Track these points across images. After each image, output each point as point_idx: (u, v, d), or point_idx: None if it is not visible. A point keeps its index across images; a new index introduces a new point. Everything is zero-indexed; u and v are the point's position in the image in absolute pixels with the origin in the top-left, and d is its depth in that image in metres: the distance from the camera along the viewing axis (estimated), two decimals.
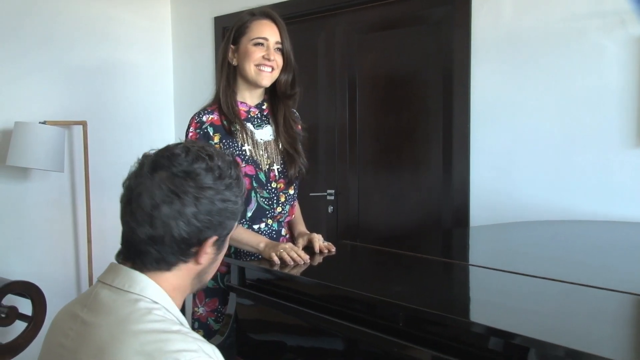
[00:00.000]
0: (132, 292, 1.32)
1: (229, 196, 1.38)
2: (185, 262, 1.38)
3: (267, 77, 2.38)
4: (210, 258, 1.42)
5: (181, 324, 1.34)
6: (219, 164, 1.38)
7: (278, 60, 2.38)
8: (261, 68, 2.36)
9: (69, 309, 1.41)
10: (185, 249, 1.35)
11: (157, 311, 1.31)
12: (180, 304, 1.42)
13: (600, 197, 2.91)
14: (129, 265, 1.38)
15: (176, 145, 1.38)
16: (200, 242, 1.36)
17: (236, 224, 1.46)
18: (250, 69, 2.36)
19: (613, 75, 2.86)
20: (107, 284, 1.36)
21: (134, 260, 1.36)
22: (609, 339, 1.47)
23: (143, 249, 1.34)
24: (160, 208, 1.30)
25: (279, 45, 2.37)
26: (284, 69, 2.42)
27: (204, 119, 2.39)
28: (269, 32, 2.36)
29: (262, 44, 2.35)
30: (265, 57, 2.35)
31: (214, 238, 1.38)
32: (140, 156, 1.39)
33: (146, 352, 1.20)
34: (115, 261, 1.41)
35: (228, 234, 1.44)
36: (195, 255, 1.38)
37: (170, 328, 1.27)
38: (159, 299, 1.33)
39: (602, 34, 2.88)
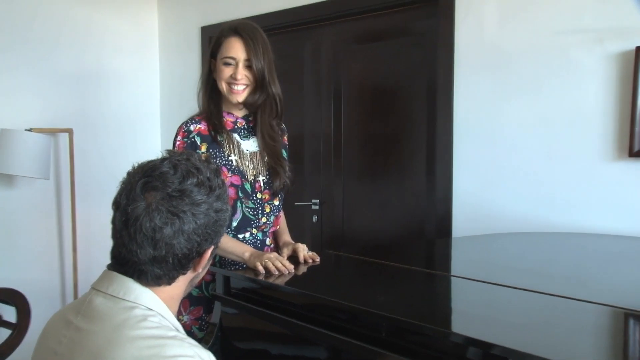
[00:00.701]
0: (127, 300, 1.34)
1: (220, 206, 1.41)
2: (184, 274, 1.41)
3: (238, 95, 2.36)
4: (204, 264, 1.45)
5: (177, 330, 1.36)
6: (208, 175, 1.40)
7: (249, 76, 2.35)
8: (231, 86, 2.35)
9: (61, 316, 1.42)
10: (185, 263, 1.38)
11: (153, 318, 1.32)
12: (176, 309, 1.45)
13: (580, 209, 2.93)
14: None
15: (162, 161, 1.39)
16: (200, 254, 1.40)
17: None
18: (223, 87, 2.36)
19: (592, 90, 2.88)
20: (101, 291, 1.37)
21: (132, 276, 1.37)
22: (586, 349, 1.48)
23: (145, 268, 1.35)
24: (163, 230, 1.32)
25: (248, 63, 2.33)
26: (255, 88, 2.38)
27: (192, 128, 2.39)
28: (236, 51, 2.32)
29: (229, 63, 2.33)
30: (233, 77, 2.33)
31: (212, 248, 1.42)
32: (126, 175, 1.39)
33: (144, 357, 1.22)
34: (109, 270, 1.41)
35: (221, 237, 1.47)
36: (194, 266, 1.42)
37: (167, 334, 1.29)
38: (154, 307, 1.35)
39: (581, 50, 2.90)
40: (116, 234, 1.37)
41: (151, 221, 1.32)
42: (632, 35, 2.73)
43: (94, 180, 4.55)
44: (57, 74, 4.47)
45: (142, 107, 4.96)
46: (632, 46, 2.73)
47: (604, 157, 2.87)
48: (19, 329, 3.76)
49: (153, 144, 4.93)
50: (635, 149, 2.73)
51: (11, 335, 3.74)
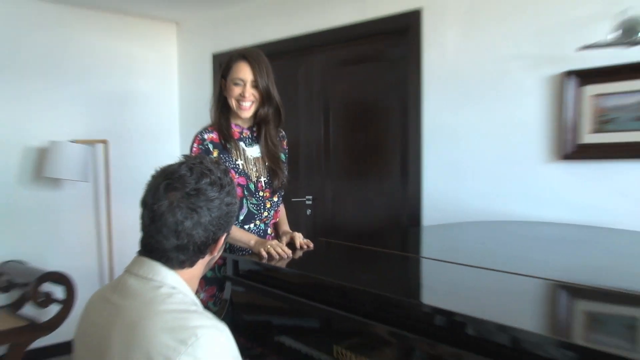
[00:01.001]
0: (155, 280, 1.34)
1: (230, 200, 1.41)
2: (203, 258, 1.42)
3: (245, 110, 2.35)
4: (219, 247, 1.45)
5: (196, 305, 1.36)
6: (219, 175, 1.40)
7: (255, 94, 2.34)
8: (240, 103, 2.34)
9: (100, 294, 1.43)
10: (204, 249, 1.39)
11: (177, 295, 1.32)
12: (196, 287, 1.45)
13: (524, 201, 2.94)
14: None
15: (180, 165, 1.39)
16: (215, 241, 1.40)
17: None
18: (232, 103, 2.36)
19: (531, 105, 2.90)
20: (133, 273, 1.37)
21: (160, 261, 1.37)
22: (529, 315, 1.50)
23: (171, 255, 1.36)
24: (184, 223, 1.33)
25: (255, 83, 2.32)
26: (262, 103, 2.37)
27: (205, 137, 2.38)
28: (244, 74, 2.31)
29: (239, 84, 2.33)
30: (242, 95, 2.32)
31: (225, 235, 1.43)
32: (150, 178, 1.40)
33: (170, 328, 1.22)
34: (139, 255, 1.41)
35: (231, 227, 1.47)
36: (210, 251, 1.42)
37: (189, 308, 1.29)
38: (177, 285, 1.35)
39: (522, 73, 2.92)
40: (145, 228, 1.37)
41: (174, 216, 1.32)
42: (561, 62, 2.76)
43: (125, 182, 4.56)
44: (94, 95, 4.51)
45: (163, 121, 4.95)
46: (560, 71, 2.76)
47: (541, 159, 2.89)
48: (67, 304, 3.78)
49: (173, 152, 4.92)
50: (565, 153, 2.76)
51: (60, 310, 3.77)
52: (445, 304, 1.51)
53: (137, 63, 4.78)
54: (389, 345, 1.54)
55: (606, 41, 2.46)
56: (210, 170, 1.40)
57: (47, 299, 3.76)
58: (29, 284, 3.69)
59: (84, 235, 4.52)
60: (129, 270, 1.40)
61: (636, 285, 1.66)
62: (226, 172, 1.45)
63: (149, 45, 4.85)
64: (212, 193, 1.37)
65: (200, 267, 1.43)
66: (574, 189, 2.79)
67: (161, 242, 1.34)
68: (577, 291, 1.66)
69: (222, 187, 1.39)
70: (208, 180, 1.37)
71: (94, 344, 1.34)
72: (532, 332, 1.28)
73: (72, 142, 4.20)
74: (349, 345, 1.64)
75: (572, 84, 2.72)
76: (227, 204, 1.40)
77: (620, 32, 2.43)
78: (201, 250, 1.38)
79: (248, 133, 2.47)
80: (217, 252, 1.46)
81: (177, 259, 1.36)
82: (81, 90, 4.44)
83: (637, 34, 2.40)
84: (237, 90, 2.34)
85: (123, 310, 1.31)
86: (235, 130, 2.44)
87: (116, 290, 1.38)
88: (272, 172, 2.45)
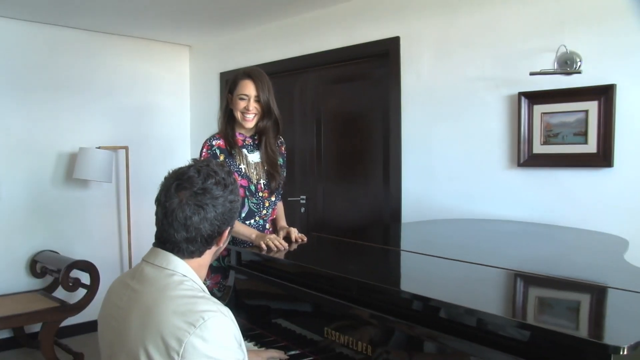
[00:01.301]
0: (168, 269, 1.33)
1: (233, 198, 1.40)
2: (210, 248, 1.40)
3: (249, 121, 2.35)
4: (224, 239, 1.43)
5: (204, 291, 1.35)
6: (223, 176, 1.39)
7: (258, 108, 2.34)
8: (244, 115, 2.34)
9: (121, 280, 1.42)
10: (210, 241, 1.38)
11: (187, 282, 1.32)
12: (204, 275, 1.43)
13: (488, 202, 2.94)
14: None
15: (189, 167, 1.39)
16: (220, 234, 1.39)
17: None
18: (238, 115, 2.36)
19: (494, 119, 2.89)
20: (149, 262, 1.37)
21: (172, 251, 1.36)
22: (492, 300, 1.51)
23: (181, 246, 1.35)
24: (192, 219, 1.32)
25: (257, 98, 2.33)
26: (263, 116, 2.37)
27: (214, 143, 2.38)
28: (249, 90, 2.32)
29: (244, 99, 2.33)
30: (246, 108, 2.33)
31: (229, 228, 1.41)
32: (164, 179, 1.39)
33: (180, 312, 1.22)
34: (155, 247, 1.40)
35: (234, 221, 1.46)
36: (216, 242, 1.40)
37: (197, 294, 1.29)
38: (187, 274, 1.34)
39: (485, 92, 2.92)
40: (158, 222, 1.37)
41: (183, 212, 1.32)
42: (517, 84, 2.76)
43: (143, 183, 4.56)
44: (117, 108, 4.52)
45: (176, 131, 4.94)
46: (516, 91, 2.76)
47: (502, 166, 2.89)
48: (92, 289, 3.79)
49: (184, 157, 4.89)
50: (521, 160, 2.77)
51: (86, 293, 3.78)
52: (421, 290, 1.51)
53: (155, 81, 4.77)
54: (372, 327, 1.54)
55: (550, 70, 2.53)
56: (215, 172, 1.39)
57: (76, 284, 3.77)
58: (60, 271, 3.69)
59: (107, 229, 4.51)
60: (145, 260, 1.39)
61: (579, 273, 1.67)
62: (230, 173, 1.44)
63: (165, 66, 4.84)
64: (217, 192, 1.36)
65: (208, 256, 1.42)
66: (528, 192, 2.79)
67: (173, 235, 1.34)
68: (532, 279, 1.67)
69: (225, 186, 1.38)
70: (213, 180, 1.37)
71: (115, 323, 1.34)
72: (495, 315, 1.29)
73: (98, 148, 4.20)
74: (337, 326, 1.64)
75: (525, 103, 2.73)
76: (231, 202, 1.39)
77: (560, 62, 2.52)
78: (208, 242, 1.37)
79: (250, 141, 2.47)
80: (223, 244, 1.45)
81: (187, 249, 1.35)
82: (106, 105, 4.45)
83: (573, 65, 2.50)
84: (242, 104, 2.34)
85: (140, 294, 1.31)
86: (239, 138, 2.44)
87: (134, 277, 1.38)
88: (270, 175, 2.44)
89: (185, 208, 1.33)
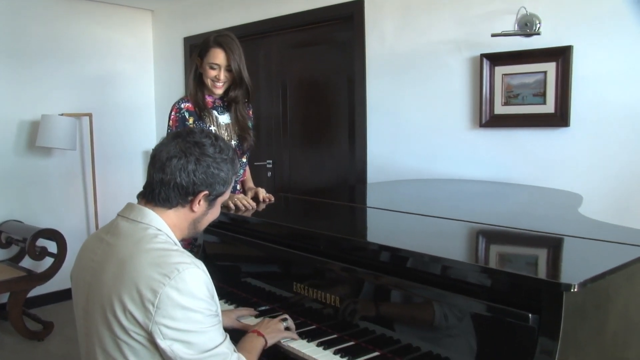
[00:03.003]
0: (143, 223, 1.34)
1: (222, 167, 1.38)
2: (182, 206, 1.38)
3: (218, 89, 2.34)
4: (202, 210, 1.41)
5: (177, 245, 1.36)
6: (221, 144, 1.40)
7: (228, 76, 2.32)
8: (215, 83, 2.32)
9: (96, 235, 1.42)
10: (183, 195, 1.36)
11: (161, 236, 1.33)
12: (180, 236, 1.42)
13: (451, 162, 2.98)
14: (142, 202, 1.38)
15: (201, 129, 1.43)
16: (194, 193, 1.36)
17: (227, 191, 1.45)
18: (208, 82, 2.33)
19: (456, 82, 2.92)
20: (124, 217, 1.37)
21: (148, 197, 1.37)
22: (456, 248, 1.57)
23: (155, 188, 1.35)
24: (172, 160, 1.33)
25: (228, 67, 2.30)
26: (234, 85, 2.36)
27: (182, 106, 2.35)
28: (219, 59, 2.28)
29: (214, 68, 2.30)
30: (217, 77, 2.30)
31: (205, 192, 1.37)
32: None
33: (156, 263, 1.23)
34: (130, 202, 1.41)
35: (218, 195, 1.42)
36: (190, 203, 1.38)
37: (171, 247, 1.30)
38: (162, 228, 1.35)
39: (447, 55, 2.94)
40: (148, 169, 1.39)
41: (168, 153, 1.33)
42: (478, 47, 2.80)
43: (108, 150, 4.51)
44: (80, 75, 4.43)
45: (140, 97, 4.85)
46: (478, 53, 2.80)
47: (465, 127, 2.93)
48: (59, 257, 3.75)
49: (149, 124, 4.87)
50: (483, 121, 2.81)
51: (54, 262, 3.74)
52: (388, 241, 1.54)
53: (117, 47, 4.66)
54: (340, 280, 1.58)
55: (510, 31, 2.56)
56: (217, 139, 1.40)
57: (42, 253, 3.73)
58: (26, 240, 3.64)
59: (72, 197, 4.45)
60: (120, 214, 1.40)
61: (537, 225, 1.73)
62: (234, 153, 1.44)
63: (127, 31, 4.73)
64: (209, 150, 1.36)
65: (182, 218, 1.39)
66: (490, 152, 2.85)
67: (151, 175, 1.36)
68: (493, 230, 1.72)
69: (220, 152, 1.38)
70: (210, 141, 1.38)
71: (90, 277, 1.34)
72: (460, 261, 1.34)
73: (61, 115, 4.11)
74: (306, 281, 1.66)
75: (487, 65, 2.77)
76: (218, 169, 1.37)
77: (520, 24, 2.55)
78: (180, 194, 1.35)
79: (220, 102, 2.45)
80: (200, 216, 1.42)
81: (159, 195, 1.35)
82: (69, 71, 4.34)
83: (533, 27, 2.53)
84: (212, 73, 2.31)
85: (115, 248, 1.32)
86: (209, 100, 2.41)
87: (109, 231, 1.38)
88: (241, 137, 2.44)
89: (171, 149, 1.34)
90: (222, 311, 1.74)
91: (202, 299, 1.24)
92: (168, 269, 1.22)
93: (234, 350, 1.33)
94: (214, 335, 1.26)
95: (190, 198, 1.37)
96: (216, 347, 1.26)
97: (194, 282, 1.23)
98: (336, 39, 3.59)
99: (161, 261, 1.24)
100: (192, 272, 1.24)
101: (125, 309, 1.22)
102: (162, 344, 1.21)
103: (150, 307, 1.20)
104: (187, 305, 1.21)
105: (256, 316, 1.76)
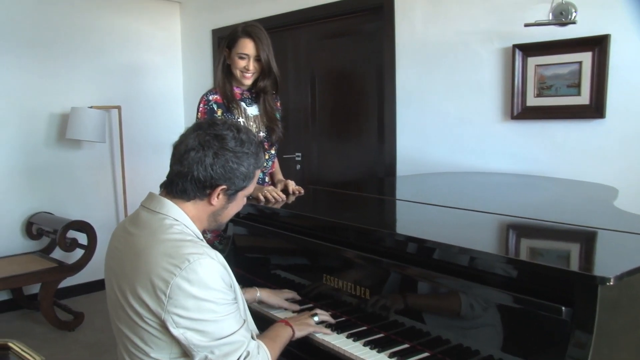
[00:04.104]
0: (161, 213, 1.36)
1: (242, 161, 1.38)
2: (201, 199, 1.39)
3: (247, 79, 2.36)
4: (221, 203, 1.41)
5: (196, 236, 1.38)
6: (243, 137, 1.39)
7: (257, 66, 2.35)
8: (244, 74, 2.35)
9: (122, 225, 1.47)
10: (201, 188, 1.37)
11: (177, 226, 1.35)
12: (201, 228, 1.43)
13: (482, 155, 2.97)
14: (163, 193, 1.41)
15: (224, 120, 1.42)
16: (212, 187, 1.37)
17: (250, 185, 1.45)
18: (237, 73, 2.36)
19: (487, 73, 2.90)
20: (145, 207, 1.40)
21: (167, 188, 1.40)
22: (486, 240, 1.57)
23: (174, 180, 1.38)
24: (190, 152, 1.34)
25: (257, 57, 2.33)
26: (263, 75, 2.38)
27: (210, 98, 2.38)
28: (248, 49, 2.31)
29: (243, 58, 2.32)
30: (246, 67, 2.33)
31: (223, 187, 1.38)
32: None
33: (168, 254, 1.26)
34: (152, 192, 1.44)
35: (238, 190, 1.42)
36: (208, 197, 1.39)
37: (185, 238, 1.32)
38: (179, 218, 1.37)
39: (479, 45, 2.92)
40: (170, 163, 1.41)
41: (187, 145, 1.35)
42: (510, 37, 2.77)
43: (136, 142, 4.59)
44: (109, 67, 4.49)
45: (169, 89, 4.92)
46: (510, 44, 2.77)
47: (496, 119, 2.91)
48: (89, 249, 3.83)
49: (177, 115, 4.94)
50: (515, 113, 2.79)
51: (84, 254, 3.82)
52: (416, 233, 1.54)
53: (146, 39, 4.73)
54: (371, 271, 1.58)
55: (544, 21, 2.53)
56: (240, 131, 1.39)
57: (73, 244, 3.81)
58: (57, 232, 3.72)
59: (102, 189, 4.54)
60: (142, 204, 1.43)
61: (570, 218, 1.71)
62: (259, 146, 1.43)
63: (155, 24, 4.80)
64: (229, 144, 1.36)
65: (200, 210, 1.41)
66: (521, 145, 2.82)
67: (172, 167, 1.38)
68: (524, 223, 1.72)
69: (241, 145, 1.38)
70: (232, 134, 1.37)
71: (114, 264, 1.40)
72: (489, 253, 1.34)
73: (90, 108, 4.19)
74: (336, 273, 1.68)
75: (519, 56, 2.74)
76: (238, 163, 1.37)
77: (555, 13, 2.51)
78: (197, 187, 1.36)
79: (248, 94, 2.47)
80: (220, 209, 1.43)
81: (177, 187, 1.37)
82: (98, 64, 4.42)
83: (568, 16, 2.50)
84: (241, 63, 2.33)
85: (135, 237, 1.36)
86: (237, 91, 2.44)
87: (132, 221, 1.42)
88: (270, 129, 2.46)
89: (190, 142, 1.36)
90: (270, 290, 1.76)
91: (214, 289, 1.26)
92: (179, 260, 1.25)
93: (253, 337, 1.35)
94: (229, 323, 1.28)
95: (208, 191, 1.38)
96: (231, 334, 1.28)
97: (205, 272, 1.25)
98: (365, 30, 3.59)
99: (173, 252, 1.27)
100: (203, 262, 1.26)
101: (140, 298, 1.27)
102: (175, 332, 1.24)
103: (163, 297, 1.23)
104: (199, 295, 1.24)
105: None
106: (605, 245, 1.47)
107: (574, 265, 1.33)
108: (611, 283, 1.08)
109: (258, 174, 1.48)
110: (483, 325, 1.30)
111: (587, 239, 1.55)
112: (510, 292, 1.24)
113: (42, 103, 4.16)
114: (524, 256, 1.39)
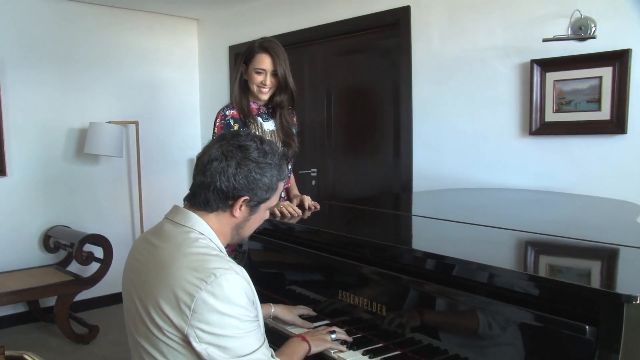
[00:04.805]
0: (186, 226, 1.36)
1: (265, 172, 1.37)
2: (223, 210, 1.38)
3: (264, 94, 2.37)
4: (244, 215, 1.40)
5: (220, 251, 1.37)
6: (266, 148, 1.38)
7: (274, 81, 2.35)
8: (260, 89, 2.35)
9: (144, 236, 1.45)
10: (223, 199, 1.36)
11: (202, 240, 1.34)
12: (225, 242, 1.42)
13: (499, 171, 2.94)
14: (187, 205, 1.41)
15: (247, 132, 1.42)
16: (235, 198, 1.36)
17: (273, 198, 1.43)
18: (253, 88, 2.37)
19: (504, 88, 2.89)
20: (169, 219, 1.40)
21: (190, 200, 1.39)
22: (505, 257, 1.55)
23: (196, 191, 1.37)
24: (212, 163, 1.34)
25: (274, 72, 2.34)
26: (280, 90, 2.38)
27: (227, 113, 2.38)
28: (265, 64, 2.32)
29: (260, 73, 2.33)
30: (263, 82, 2.33)
31: (245, 198, 1.36)
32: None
33: (193, 267, 1.25)
34: (177, 205, 1.44)
35: (261, 202, 1.41)
36: (231, 208, 1.38)
37: (211, 252, 1.31)
38: (204, 232, 1.36)
39: (496, 61, 2.91)
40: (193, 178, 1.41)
41: (210, 156, 1.34)
42: (528, 52, 2.75)
43: (153, 157, 4.62)
44: (127, 83, 4.54)
45: (186, 105, 4.96)
46: (528, 59, 2.75)
47: (514, 134, 2.88)
48: (105, 262, 3.84)
49: (194, 131, 4.97)
50: (533, 129, 2.76)
51: (100, 267, 3.83)
52: (434, 249, 1.53)
53: (164, 55, 4.79)
54: (387, 287, 1.56)
55: (563, 36, 2.52)
56: (263, 142, 1.39)
57: (89, 258, 3.83)
58: (74, 245, 3.74)
59: (119, 204, 4.56)
60: (166, 217, 1.43)
61: (591, 234, 1.68)
62: (282, 159, 1.42)
63: (173, 40, 4.86)
64: (252, 155, 1.35)
65: (223, 223, 1.40)
66: (540, 161, 2.79)
67: (195, 178, 1.38)
68: (544, 239, 1.69)
69: (264, 156, 1.37)
70: (255, 145, 1.37)
71: (134, 276, 1.38)
72: (509, 270, 1.31)
73: (108, 123, 4.24)
74: (352, 289, 1.66)
75: (537, 71, 2.72)
76: (260, 174, 1.36)
77: (574, 28, 2.51)
78: (220, 198, 1.36)
79: (264, 109, 2.48)
80: (243, 222, 1.42)
81: (199, 197, 1.36)
82: (116, 79, 4.47)
83: (587, 30, 2.48)
84: (258, 78, 2.34)
85: (158, 250, 1.35)
86: (253, 107, 2.45)
87: (155, 233, 1.41)
88: (286, 144, 2.46)
89: (213, 152, 1.35)
90: (283, 306, 1.75)
91: (238, 305, 1.25)
92: (205, 274, 1.23)
93: (272, 356, 1.33)
94: (250, 340, 1.27)
95: (230, 202, 1.37)
96: (252, 352, 1.26)
97: (230, 287, 1.24)
98: (381, 46, 3.60)
99: (199, 265, 1.25)
100: (229, 277, 1.25)
101: (162, 311, 1.25)
102: (198, 347, 1.23)
103: (187, 311, 1.22)
104: (223, 310, 1.23)
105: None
106: (629, 262, 1.44)
107: (597, 283, 1.30)
108: (638, 302, 1.05)
109: (281, 187, 1.47)
110: (503, 343, 1.27)
111: (609, 256, 1.51)
112: (533, 310, 1.20)
113: (61, 118, 4.21)
114: (544, 273, 1.36)
